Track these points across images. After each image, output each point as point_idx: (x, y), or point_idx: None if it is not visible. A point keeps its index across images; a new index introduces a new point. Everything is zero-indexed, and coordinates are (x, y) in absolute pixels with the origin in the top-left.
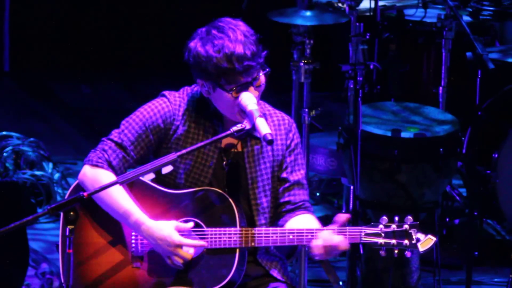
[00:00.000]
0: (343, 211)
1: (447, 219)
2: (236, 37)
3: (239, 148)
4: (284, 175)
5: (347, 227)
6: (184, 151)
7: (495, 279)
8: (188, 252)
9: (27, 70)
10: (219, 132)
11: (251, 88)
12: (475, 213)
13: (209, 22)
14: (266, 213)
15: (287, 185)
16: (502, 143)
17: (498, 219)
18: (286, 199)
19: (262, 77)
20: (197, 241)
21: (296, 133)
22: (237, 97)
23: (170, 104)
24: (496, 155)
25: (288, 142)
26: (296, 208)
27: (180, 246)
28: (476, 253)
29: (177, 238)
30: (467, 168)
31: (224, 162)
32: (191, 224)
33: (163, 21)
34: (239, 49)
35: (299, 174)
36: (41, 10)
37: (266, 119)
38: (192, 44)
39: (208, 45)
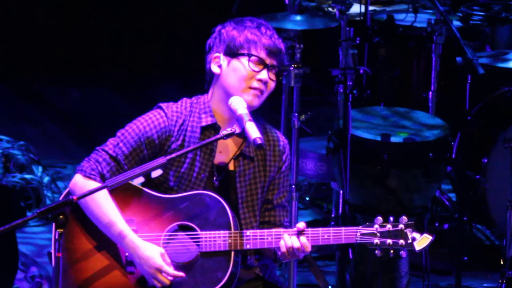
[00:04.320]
0: (333, 215)
1: (437, 224)
2: (274, 30)
3: (231, 167)
4: (269, 196)
5: (343, 227)
6: (173, 155)
7: (485, 284)
8: (166, 280)
9: (17, 73)
10: (214, 146)
11: (264, 71)
12: (465, 218)
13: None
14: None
15: (270, 206)
16: (491, 148)
17: (487, 224)
18: (267, 219)
19: (274, 76)
20: (176, 272)
21: (289, 154)
22: (249, 69)
23: (167, 120)
24: (486, 160)
25: (281, 164)
26: (274, 227)
27: (159, 270)
28: (466, 258)
29: (159, 262)
30: (457, 173)
31: (215, 178)
32: (173, 271)
33: (153, 25)
34: (275, 35)
35: (282, 197)
36: (30, 14)
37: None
38: (220, 26)
39: (246, 21)
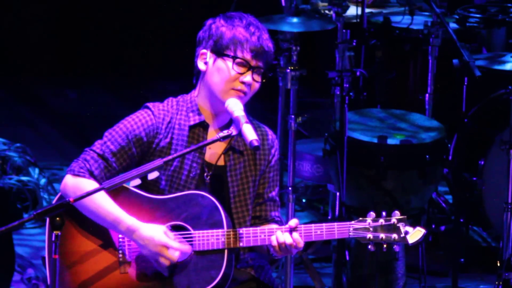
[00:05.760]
0: (329, 217)
1: (433, 226)
2: (264, 28)
3: (222, 162)
4: (260, 190)
5: (335, 223)
6: (170, 157)
7: (481, 286)
8: (174, 255)
9: (13, 75)
10: (206, 144)
11: (248, 73)
12: (461, 220)
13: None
14: (247, 227)
15: (260, 201)
16: (488, 150)
17: (484, 226)
18: (258, 213)
19: (259, 78)
20: (182, 244)
21: (278, 148)
22: (233, 71)
23: (154, 117)
24: (482, 162)
25: (270, 157)
26: (266, 222)
27: (166, 247)
28: (462, 260)
29: (163, 239)
30: (453, 175)
31: (206, 174)
32: (179, 245)
33: (149, 27)
34: (264, 35)
35: (273, 191)
36: (26, 16)
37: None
38: (211, 20)
39: (236, 19)
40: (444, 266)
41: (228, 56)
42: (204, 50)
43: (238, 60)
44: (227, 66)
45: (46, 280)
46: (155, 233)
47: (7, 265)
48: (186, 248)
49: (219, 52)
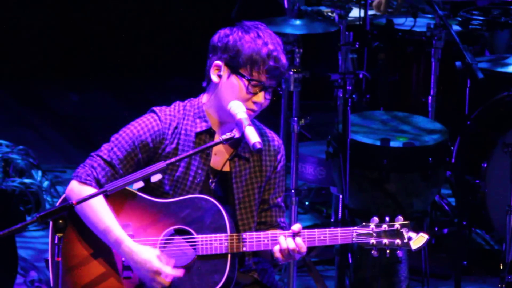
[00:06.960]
0: (332, 220)
1: (436, 229)
2: (280, 44)
3: (227, 168)
4: (265, 196)
5: (339, 228)
6: (173, 159)
7: None
8: (166, 280)
9: (16, 78)
10: (210, 150)
11: (261, 93)
12: (464, 223)
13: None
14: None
15: (266, 207)
16: (491, 152)
17: (487, 228)
18: (263, 219)
19: (269, 96)
20: (175, 270)
21: (284, 154)
22: (247, 91)
23: (160, 123)
24: (485, 165)
25: (276, 163)
26: (271, 227)
27: (158, 272)
28: (465, 262)
29: (156, 264)
30: (456, 178)
31: (210, 180)
32: (172, 262)
33: (151, 29)
34: (281, 54)
35: (279, 198)
36: (29, 18)
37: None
38: (229, 31)
39: (253, 33)
40: (447, 268)
41: (243, 76)
42: (218, 62)
43: (253, 82)
44: (240, 86)
45: (49, 282)
46: (149, 258)
47: (10, 267)
48: (178, 274)
49: (234, 68)
